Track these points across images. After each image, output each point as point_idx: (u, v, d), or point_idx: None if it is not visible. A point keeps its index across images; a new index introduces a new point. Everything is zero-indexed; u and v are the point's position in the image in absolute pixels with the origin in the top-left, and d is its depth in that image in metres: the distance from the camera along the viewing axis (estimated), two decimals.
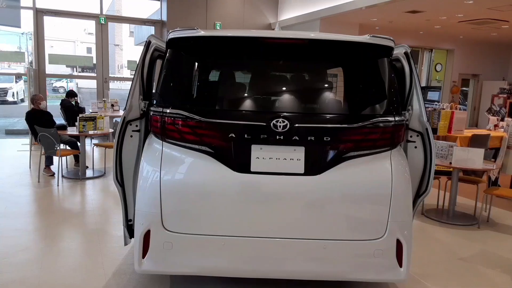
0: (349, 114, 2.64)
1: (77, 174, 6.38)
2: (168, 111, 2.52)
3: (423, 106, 2.73)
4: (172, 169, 2.53)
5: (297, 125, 2.44)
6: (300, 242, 2.51)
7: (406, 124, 2.72)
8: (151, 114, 2.61)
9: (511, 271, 3.54)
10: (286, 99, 2.68)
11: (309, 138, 2.46)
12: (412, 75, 2.76)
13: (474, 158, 4.53)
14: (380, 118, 2.54)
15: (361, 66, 2.71)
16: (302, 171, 2.48)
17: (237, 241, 2.50)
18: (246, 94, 2.75)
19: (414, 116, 2.77)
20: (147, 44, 2.74)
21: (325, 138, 2.46)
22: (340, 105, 2.76)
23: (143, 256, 2.53)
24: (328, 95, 2.84)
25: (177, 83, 2.65)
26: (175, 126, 2.52)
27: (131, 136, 2.79)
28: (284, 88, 2.82)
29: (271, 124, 2.42)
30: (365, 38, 2.58)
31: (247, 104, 2.64)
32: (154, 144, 2.61)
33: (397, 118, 2.57)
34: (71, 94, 8.51)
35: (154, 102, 2.63)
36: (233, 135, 2.45)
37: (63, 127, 6.49)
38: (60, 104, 8.50)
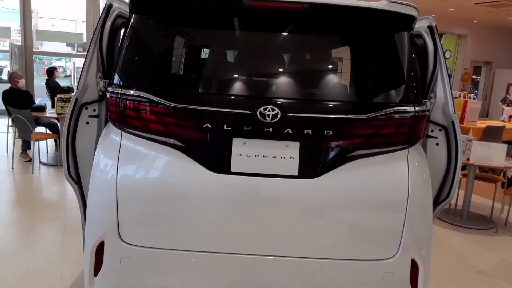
0: (356, 102, 2.12)
1: (57, 160, 5.89)
2: (129, 93, 2.00)
3: (449, 94, 2.21)
4: (132, 166, 2.02)
5: (290, 114, 1.92)
6: (290, 261, 2.03)
7: (427, 115, 2.19)
8: (108, 96, 2.10)
9: None
10: (277, 82, 2.15)
11: (305, 132, 1.95)
12: (437, 55, 2.22)
13: (495, 155, 4.01)
14: (396, 108, 2.02)
15: (373, 41, 2.17)
16: (296, 173, 1.98)
17: (212, 258, 2.02)
18: (227, 74, 2.21)
19: (438, 106, 2.24)
20: (107, 9, 2.21)
21: (326, 132, 1.95)
22: (346, 90, 2.22)
23: (95, 274, 2.05)
24: (331, 78, 2.29)
25: (141, 58, 2.12)
26: (137, 112, 2.00)
27: (87, 123, 2.29)
28: (276, 68, 2.27)
29: (258, 113, 1.91)
30: (381, 4, 2.03)
31: (229, 87, 2.11)
32: (111, 135, 2.10)
33: (417, 108, 2.05)
34: (50, 72, 8.04)
35: (114, 81, 2.11)
36: (210, 126, 1.94)
37: (40, 109, 5.96)
38: (46, 84, 8.04)
